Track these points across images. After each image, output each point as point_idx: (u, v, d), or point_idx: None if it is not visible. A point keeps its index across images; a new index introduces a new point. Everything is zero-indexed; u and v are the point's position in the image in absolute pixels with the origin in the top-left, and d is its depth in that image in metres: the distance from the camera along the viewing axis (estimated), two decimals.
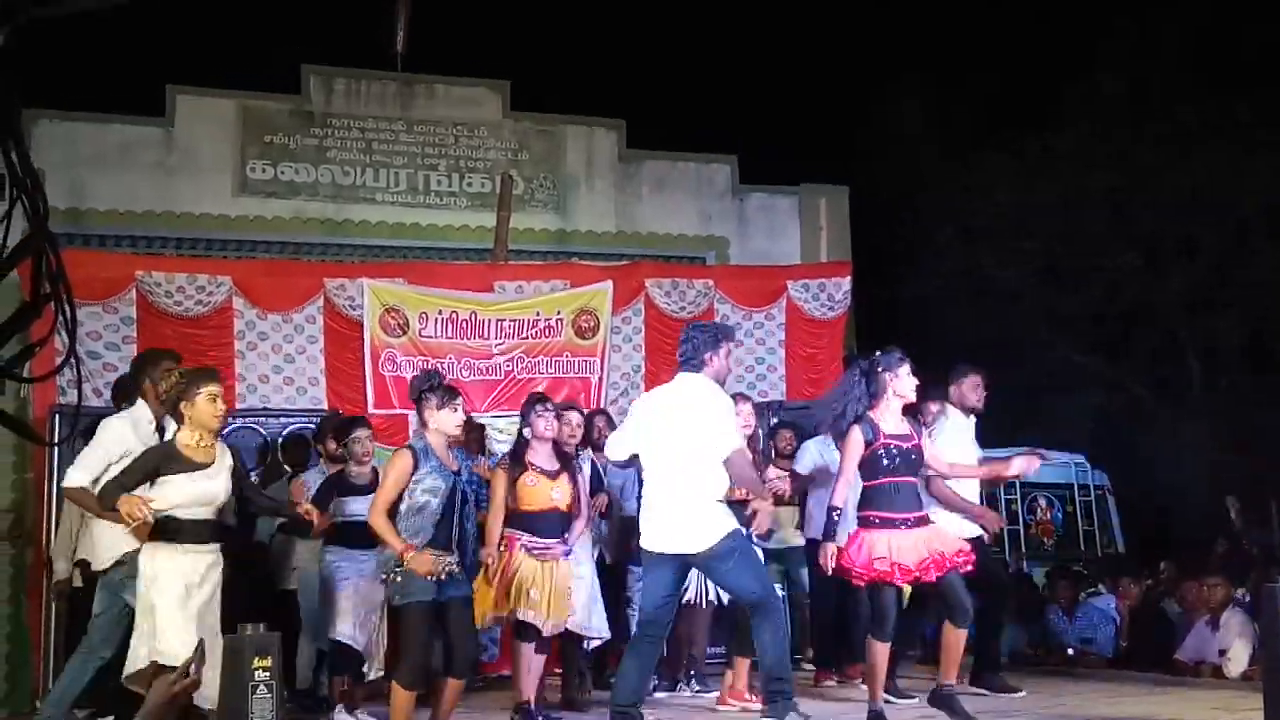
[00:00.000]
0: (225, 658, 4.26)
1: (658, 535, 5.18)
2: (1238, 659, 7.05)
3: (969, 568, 5.62)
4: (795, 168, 13.26)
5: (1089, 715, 5.81)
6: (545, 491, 5.99)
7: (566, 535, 6.09)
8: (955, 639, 5.67)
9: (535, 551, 5.93)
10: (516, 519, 5.98)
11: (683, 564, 5.24)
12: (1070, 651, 8.43)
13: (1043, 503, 7.52)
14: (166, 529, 4.92)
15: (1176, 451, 15.04)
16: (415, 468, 5.21)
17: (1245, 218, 15.40)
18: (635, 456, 5.38)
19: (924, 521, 5.63)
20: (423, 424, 5.46)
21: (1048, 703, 6.20)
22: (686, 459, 5.13)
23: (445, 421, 5.33)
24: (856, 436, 5.57)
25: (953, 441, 6.63)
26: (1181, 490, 13.51)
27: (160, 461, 4.98)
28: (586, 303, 9.78)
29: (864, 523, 5.60)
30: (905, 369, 5.69)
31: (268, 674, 4.14)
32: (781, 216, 12.52)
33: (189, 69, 12.90)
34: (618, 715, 5.17)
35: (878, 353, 5.78)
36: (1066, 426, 14.07)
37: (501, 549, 5.97)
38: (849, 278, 10.68)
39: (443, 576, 5.12)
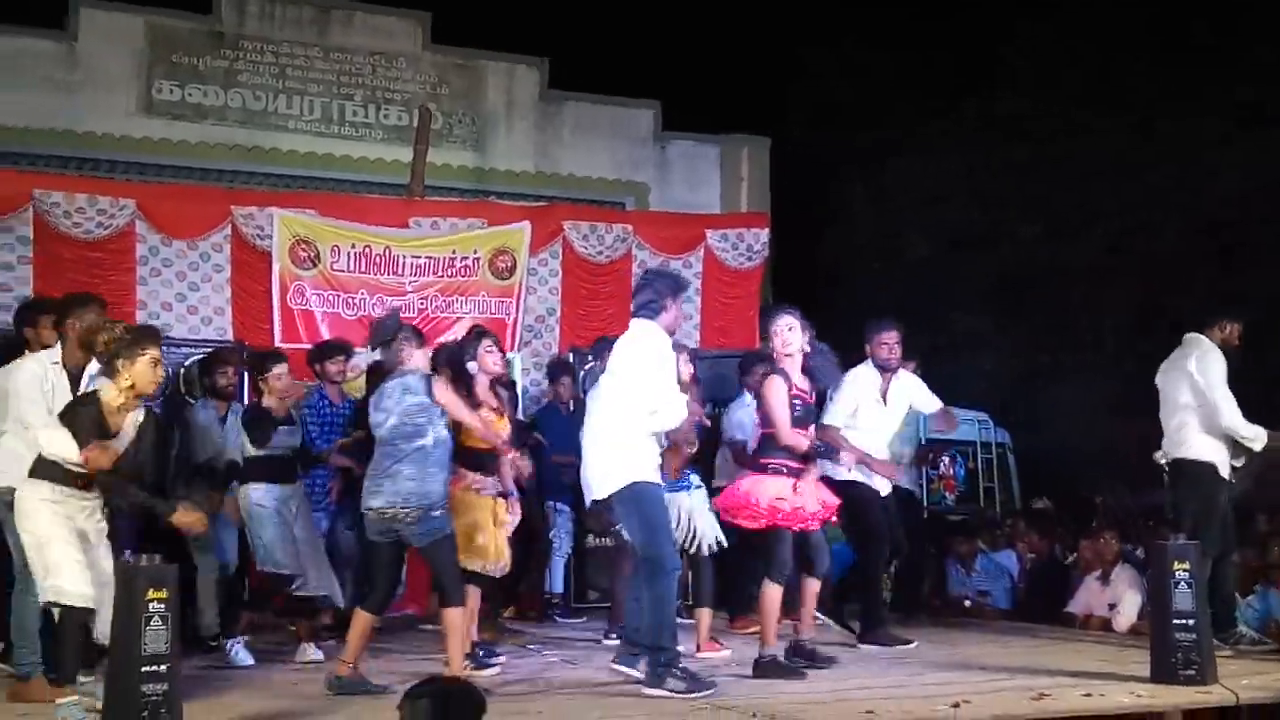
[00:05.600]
0: (119, 587, 4.14)
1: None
2: (1126, 613, 7.26)
3: (833, 518, 5.99)
4: (719, 116, 13.19)
5: (983, 664, 5.94)
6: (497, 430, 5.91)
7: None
8: (812, 590, 6.01)
9: (481, 490, 5.88)
10: (464, 456, 5.79)
11: None
12: (967, 603, 8.62)
13: (946, 458, 7.64)
14: (50, 470, 4.74)
15: (1071, 413, 15.50)
16: None
17: (1146, 188, 15.78)
18: None
19: (812, 471, 5.84)
20: None
21: (943, 652, 6.33)
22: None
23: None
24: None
25: (851, 395, 6.79)
26: (1075, 449, 14.02)
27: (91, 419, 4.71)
28: (504, 243, 9.64)
29: (761, 469, 5.76)
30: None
31: (163, 605, 4.03)
32: (703, 165, 12.47)
33: None
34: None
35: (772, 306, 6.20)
36: (970, 389, 14.37)
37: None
38: (767, 229, 10.69)
39: None
